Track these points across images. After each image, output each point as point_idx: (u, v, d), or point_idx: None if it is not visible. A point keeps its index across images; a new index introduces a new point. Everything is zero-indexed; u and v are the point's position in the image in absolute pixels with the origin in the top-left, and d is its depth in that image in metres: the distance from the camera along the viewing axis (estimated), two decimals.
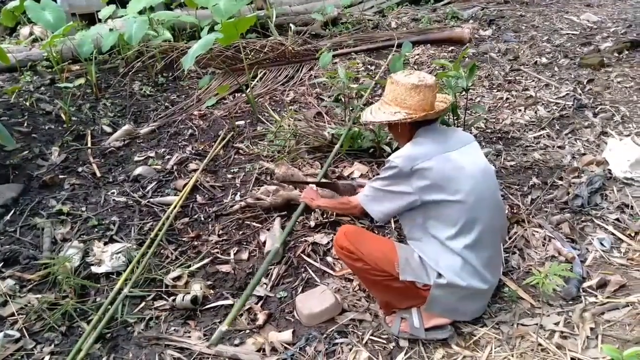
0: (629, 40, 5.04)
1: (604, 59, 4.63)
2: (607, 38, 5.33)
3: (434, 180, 1.89)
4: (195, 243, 2.79)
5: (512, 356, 1.95)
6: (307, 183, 2.71)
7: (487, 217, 1.96)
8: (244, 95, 4.30)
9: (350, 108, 3.55)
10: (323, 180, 2.89)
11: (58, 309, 2.29)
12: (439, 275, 1.94)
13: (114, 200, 3.11)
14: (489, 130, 3.71)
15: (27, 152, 3.45)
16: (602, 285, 2.24)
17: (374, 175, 3.18)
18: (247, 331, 2.23)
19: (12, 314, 2.29)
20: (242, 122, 4.03)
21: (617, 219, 2.68)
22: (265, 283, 2.49)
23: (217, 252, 2.71)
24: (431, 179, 1.89)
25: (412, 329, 2.06)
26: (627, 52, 4.84)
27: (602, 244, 2.52)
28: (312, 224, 2.83)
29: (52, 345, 2.17)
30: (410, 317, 2.08)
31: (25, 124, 3.72)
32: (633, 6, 6.70)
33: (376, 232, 2.70)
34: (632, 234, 2.56)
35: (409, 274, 1.96)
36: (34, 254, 2.64)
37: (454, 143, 2.00)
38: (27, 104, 3.91)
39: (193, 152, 3.64)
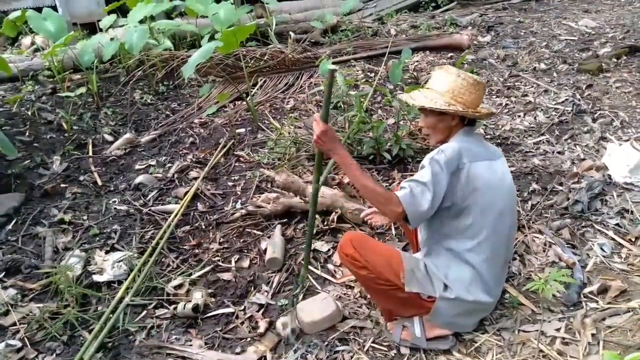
0: (627, 45, 5.06)
1: (603, 64, 4.65)
2: (606, 44, 5.36)
3: (476, 185, 1.82)
4: (197, 251, 2.80)
5: None
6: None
7: (507, 231, 1.96)
8: (244, 103, 4.32)
9: (350, 115, 3.56)
10: None
11: (60, 318, 2.30)
12: (446, 287, 1.93)
13: (115, 208, 3.12)
14: (489, 136, 3.72)
15: (28, 161, 3.47)
16: (603, 290, 2.24)
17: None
18: (249, 339, 2.23)
19: (14, 324, 2.29)
20: (242, 130, 4.05)
21: (618, 224, 2.68)
22: (266, 291, 2.49)
23: (218, 260, 2.72)
24: (474, 183, 1.82)
25: (413, 338, 2.06)
26: (625, 57, 4.86)
27: (602, 249, 2.52)
28: (313, 231, 2.84)
29: (54, 355, 2.17)
30: (412, 325, 2.07)
31: (27, 134, 3.74)
32: (631, 12, 6.74)
33: (376, 239, 2.70)
34: (633, 239, 2.56)
35: (415, 285, 1.95)
36: (35, 263, 2.65)
37: (492, 152, 1.96)
38: (29, 113, 3.94)
39: (194, 160, 3.65)
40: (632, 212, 2.73)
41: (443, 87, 1.93)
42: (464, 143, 1.88)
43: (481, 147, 1.93)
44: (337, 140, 1.90)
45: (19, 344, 2.19)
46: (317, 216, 2.91)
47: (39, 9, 4.68)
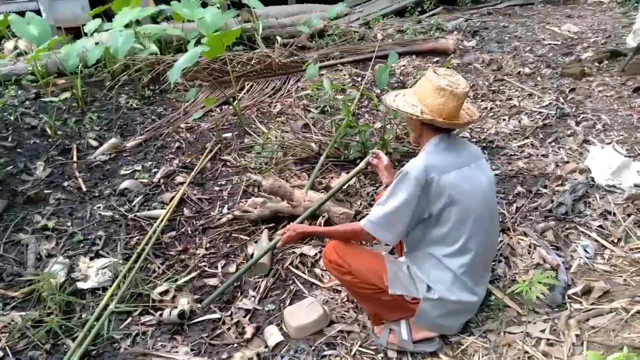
0: (608, 50, 5.15)
1: (585, 68, 4.72)
2: (588, 48, 5.45)
3: (449, 195, 1.84)
4: (183, 257, 2.78)
5: None
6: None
7: (485, 236, 1.97)
8: (231, 107, 4.31)
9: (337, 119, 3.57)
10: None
11: (42, 326, 2.26)
12: (429, 288, 1.94)
13: (100, 214, 3.08)
14: (474, 140, 3.75)
15: (11, 167, 3.42)
16: (586, 291, 2.27)
17: (361, 186, 3.19)
18: (235, 345, 2.21)
19: None
20: (229, 135, 4.04)
21: (600, 226, 2.71)
22: (253, 296, 2.48)
23: (205, 266, 2.70)
24: (446, 194, 1.84)
25: (400, 341, 2.06)
26: (607, 61, 4.94)
27: (586, 250, 2.55)
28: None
29: None
30: (398, 328, 2.08)
31: (10, 139, 3.68)
32: (612, 17, 6.87)
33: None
34: (615, 241, 2.59)
35: (398, 287, 1.97)
36: (18, 270, 2.61)
37: (467, 158, 1.95)
38: (12, 118, 3.88)
39: (180, 165, 3.63)
40: (614, 214, 2.77)
41: (415, 87, 1.96)
42: (430, 157, 1.88)
43: (451, 156, 1.91)
44: (301, 230, 2.18)
45: (1, 354, 2.15)
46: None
47: (22, 13, 4.62)
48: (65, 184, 3.38)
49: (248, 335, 2.23)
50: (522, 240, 2.67)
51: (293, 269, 2.63)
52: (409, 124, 2.06)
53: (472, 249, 1.92)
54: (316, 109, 4.25)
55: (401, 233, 1.94)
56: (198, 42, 4.54)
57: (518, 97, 4.39)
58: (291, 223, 2.28)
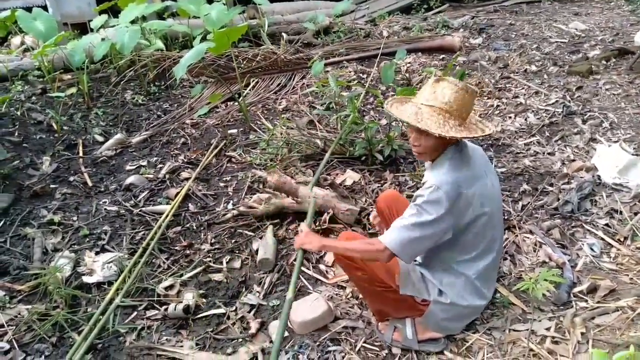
0: (616, 48, 5.12)
1: (592, 66, 4.69)
2: (595, 46, 5.41)
3: (474, 209, 1.80)
4: (188, 252, 2.78)
5: None
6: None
7: (498, 241, 1.97)
8: (236, 103, 4.31)
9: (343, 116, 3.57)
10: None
11: (48, 319, 2.27)
12: (440, 292, 1.94)
13: (105, 209, 3.10)
14: (480, 137, 3.73)
15: (17, 161, 3.44)
16: (592, 290, 2.26)
17: (366, 183, 3.19)
18: (240, 340, 2.22)
19: (2, 325, 2.27)
20: (234, 131, 4.04)
21: (607, 224, 2.70)
22: (257, 291, 2.48)
23: (210, 261, 2.71)
24: (472, 208, 1.79)
25: (405, 339, 2.06)
26: (614, 60, 4.91)
27: (592, 249, 2.54)
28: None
29: (43, 357, 2.15)
30: (403, 327, 2.07)
31: (16, 134, 3.70)
32: (620, 15, 6.82)
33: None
34: (622, 239, 2.58)
35: (410, 288, 1.96)
36: (24, 264, 2.62)
37: (480, 165, 1.90)
38: (18, 113, 3.90)
39: (185, 160, 3.64)
40: (620, 212, 2.75)
41: (450, 104, 1.76)
42: (455, 171, 1.78)
43: (470, 166, 1.84)
44: (314, 235, 2.08)
45: (7, 346, 2.16)
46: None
47: (29, 9, 4.64)
48: (71, 178, 3.40)
49: (253, 330, 2.24)
50: (528, 238, 2.66)
51: None
52: (435, 147, 1.82)
53: (490, 254, 1.92)
54: (321, 105, 4.24)
55: (421, 252, 1.92)
56: (204, 39, 4.54)
57: (524, 94, 4.37)
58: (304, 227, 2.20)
